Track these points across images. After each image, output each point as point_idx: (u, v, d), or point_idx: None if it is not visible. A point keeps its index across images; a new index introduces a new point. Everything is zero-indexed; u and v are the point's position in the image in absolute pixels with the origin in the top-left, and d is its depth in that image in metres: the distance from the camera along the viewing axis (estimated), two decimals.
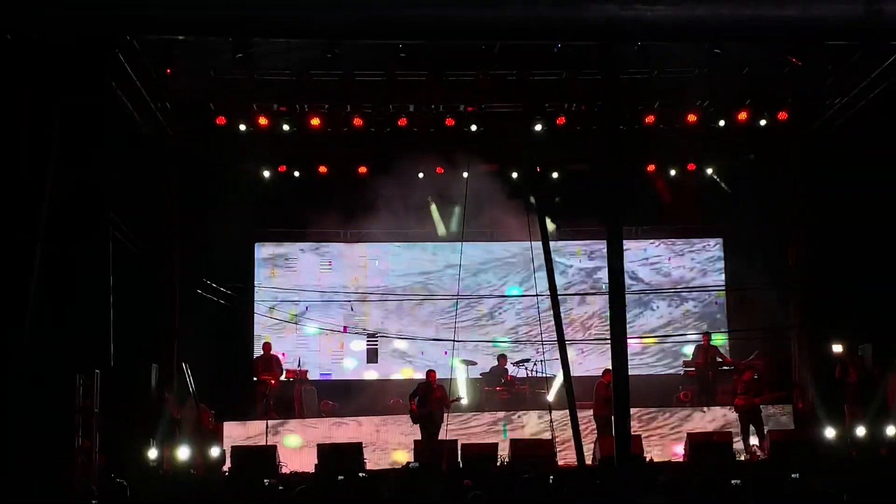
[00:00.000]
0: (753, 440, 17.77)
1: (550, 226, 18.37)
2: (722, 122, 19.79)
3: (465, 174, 19.25)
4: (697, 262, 22.54)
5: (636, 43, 16.12)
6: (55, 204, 13.09)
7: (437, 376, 18.68)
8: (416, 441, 17.35)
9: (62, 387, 14.07)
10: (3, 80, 12.68)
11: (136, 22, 11.35)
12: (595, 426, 17.90)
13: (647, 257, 22.31)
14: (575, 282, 22.13)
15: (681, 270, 22.45)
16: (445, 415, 17.86)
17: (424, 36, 13.76)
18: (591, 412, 17.90)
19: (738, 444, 17.55)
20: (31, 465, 12.70)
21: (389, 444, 18.47)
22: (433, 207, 21.68)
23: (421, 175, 21.14)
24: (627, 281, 15.21)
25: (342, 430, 18.55)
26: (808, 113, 19.73)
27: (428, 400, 18.00)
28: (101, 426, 14.82)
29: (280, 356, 20.47)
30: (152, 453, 16.51)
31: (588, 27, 11.25)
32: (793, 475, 12.37)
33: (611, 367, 15.75)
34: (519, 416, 18.86)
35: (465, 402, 19.10)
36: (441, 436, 17.59)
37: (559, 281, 14.59)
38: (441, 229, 21.86)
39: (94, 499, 11.54)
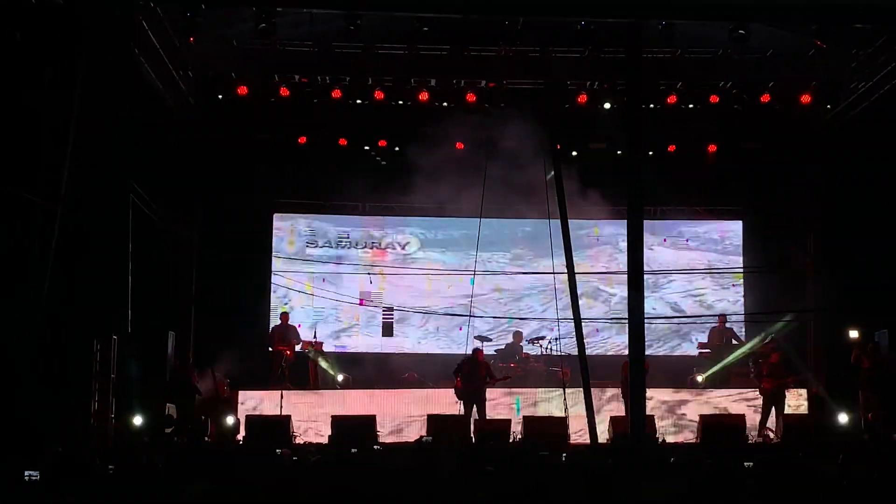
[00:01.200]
0: (771, 423, 17.75)
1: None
2: (744, 105, 19.67)
3: (485, 151, 19.23)
4: (716, 244, 22.46)
5: (662, 21, 16.07)
6: (76, 171, 13.13)
7: (453, 352, 18.70)
8: (429, 416, 17.38)
9: (80, 352, 14.18)
10: (27, 46, 12.70)
11: None
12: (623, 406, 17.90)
13: (665, 238, 22.22)
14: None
15: (699, 251, 22.38)
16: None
17: (451, 9, 13.77)
18: (610, 390, 17.96)
19: (752, 427, 17.51)
20: (48, 430, 12.81)
21: (403, 417, 18.49)
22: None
23: (440, 150, 21.11)
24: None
25: (357, 402, 18.58)
26: (831, 96, 19.59)
27: (474, 377, 17.96)
28: (117, 392, 14.94)
29: (297, 327, 20.55)
30: (167, 420, 16.61)
31: (616, 4, 11.21)
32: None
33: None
34: (533, 394, 18.85)
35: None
36: (487, 413, 17.67)
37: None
38: None
39: (110, 464, 11.62)
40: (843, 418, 17.51)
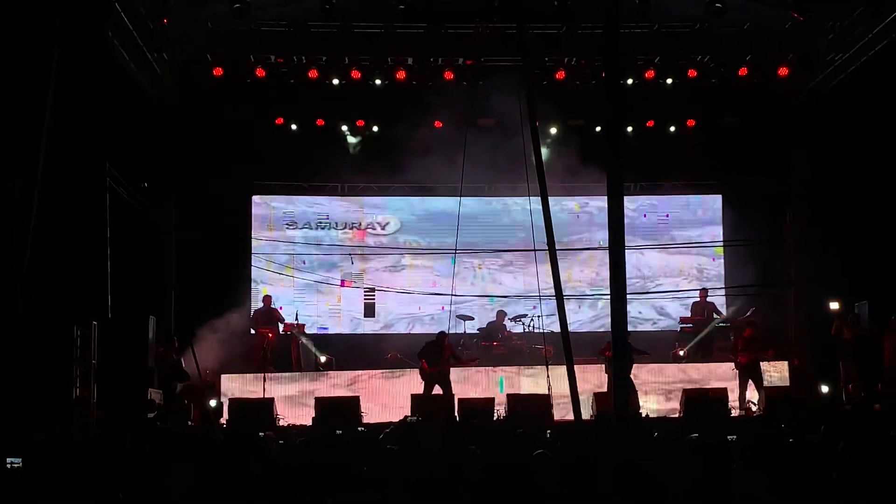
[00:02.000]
0: (750, 396, 17.83)
1: None
2: (722, 78, 19.67)
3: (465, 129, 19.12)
4: (696, 217, 22.51)
5: None
6: (53, 155, 13.02)
7: (435, 330, 18.70)
8: (412, 395, 17.39)
9: (60, 338, 14.08)
10: (1, 30, 12.57)
11: None
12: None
13: (645, 212, 22.25)
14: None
15: (679, 225, 22.43)
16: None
17: None
18: (592, 366, 18.01)
19: (733, 401, 17.59)
20: (29, 417, 12.72)
21: (386, 397, 18.48)
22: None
23: (418, 129, 21.05)
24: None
25: (340, 384, 18.58)
26: (808, 69, 19.61)
27: (439, 360, 17.99)
28: (98, 377, 14.85)
29: (278, 309, 20.50)
30: (149, 405, 16.54)
31: None
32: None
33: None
34: (516, 371, 18.88)
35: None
36: (469, 393, 17.72)
37: None
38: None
39: (94, 450, 11.56)
40: (824, 389, 17.61)
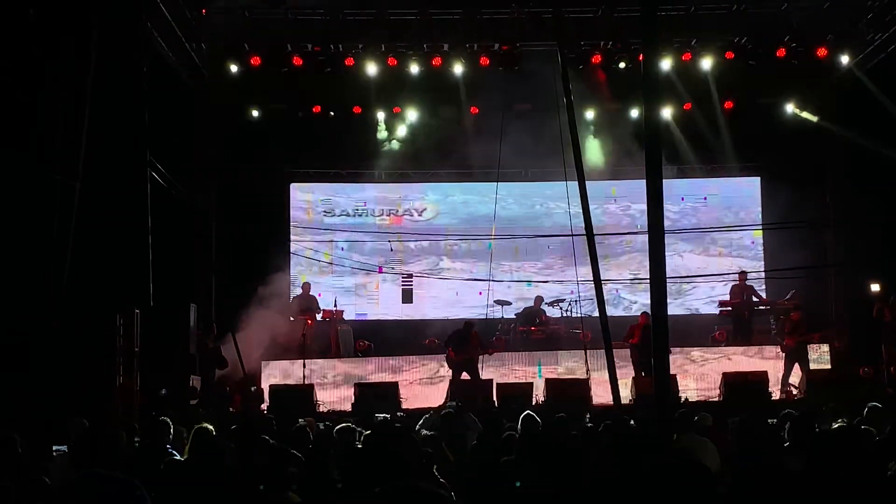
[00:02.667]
0: (794, 379, 17.73)
1: None
2: (760, 59, 19.51)
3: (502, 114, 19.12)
4: (735, 200, 22.39)
5: None
6: (94, 146, 13.14)
7: (473, 315, 18.76)
8: (451, 381, 17.45)
9: (102, 326, 14.23)
10: (41, 22, 12.68)
11: None
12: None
13: (683, 196, 22.14)
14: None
15: (718, 209, 22.32)
16: (481, 359, 17.99)
17: None
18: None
19: (773, 383, 17.51)
20: (72, 404, 12.88)
21: (425, 383, 18.56)
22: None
23: (455, 115, 21.12)
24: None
25: (380, 369, 18.67)
26: (847, 48, 19.41)
27: (466, 347, 18.06)
28: (141, 365, 15.01)
29: (317, 296, 20.62)
30: (192, 392, 16.70)
31: None
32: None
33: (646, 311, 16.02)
34: (554, 356, 18.88)
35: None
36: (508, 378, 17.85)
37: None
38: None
39: (137, 437, 11.70)
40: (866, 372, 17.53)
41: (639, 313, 18.82)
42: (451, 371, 18.06)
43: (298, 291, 20.79)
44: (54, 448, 10.39)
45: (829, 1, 17.65)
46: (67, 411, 12.38)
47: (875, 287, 18.70)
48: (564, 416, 11.79)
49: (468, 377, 17.80)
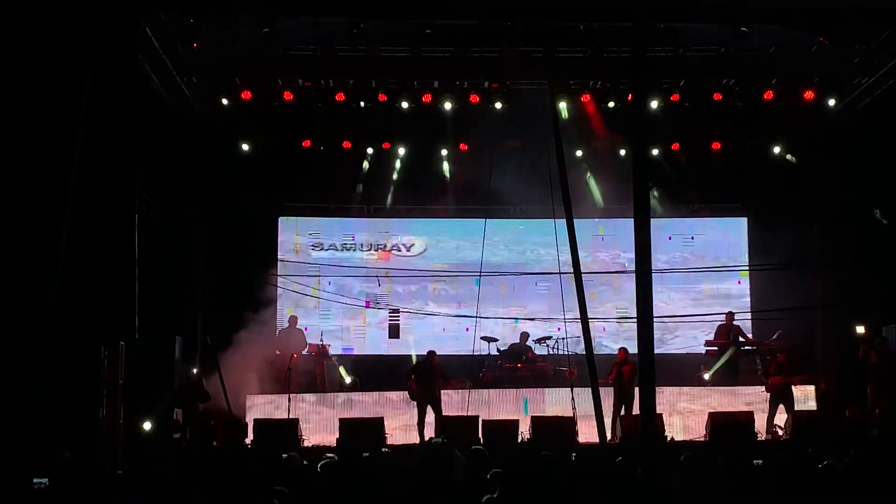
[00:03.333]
0: (779, 420, 17.73)
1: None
2: (747, 101, 19.66)
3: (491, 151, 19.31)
4: (722, 240, 22.47)
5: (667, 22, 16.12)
6: (83, 176, 13.14)
7: (460, 352, 18.70)
8: (437, 417, 17.39)
9: (87, 358, 14.17)
10: (35, 49, 12.72)
11: None
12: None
13: (670, 235, 22.19)
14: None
15: (704, 248, 22.38)
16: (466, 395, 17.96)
17: (455, 13, 13.82)
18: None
19: (760, 424, 17.50)
20: (56, 436, 12.79)
21: (411, 419, 18.48)
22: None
23: (444, 152, 21.24)
24: None
25: (364, 405, 18.60)
26: (834, 92, 19.58)
27: (428, 380, 18.03)
28: (125, 397, 14.94)
29: (303, 330, 20.58)
30: (175, 425, 16.62)
31: (621, 7, 11.25)
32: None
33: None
34: (540, 393, 18.85)
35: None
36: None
37: None
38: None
39: (119, 469, 11.64)
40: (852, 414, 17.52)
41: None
42: (416, 406, 17.98)
43: (285, 325, 20.75)
44: (35, 481, 10.30)
45: (816, 44, 17.78)
46: (50, 443, 12.31)
47: (860, 329, 18.74)
48: (549, 455, 11.74)
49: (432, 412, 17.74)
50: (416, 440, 17.28)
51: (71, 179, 12.92)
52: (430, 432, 17.24)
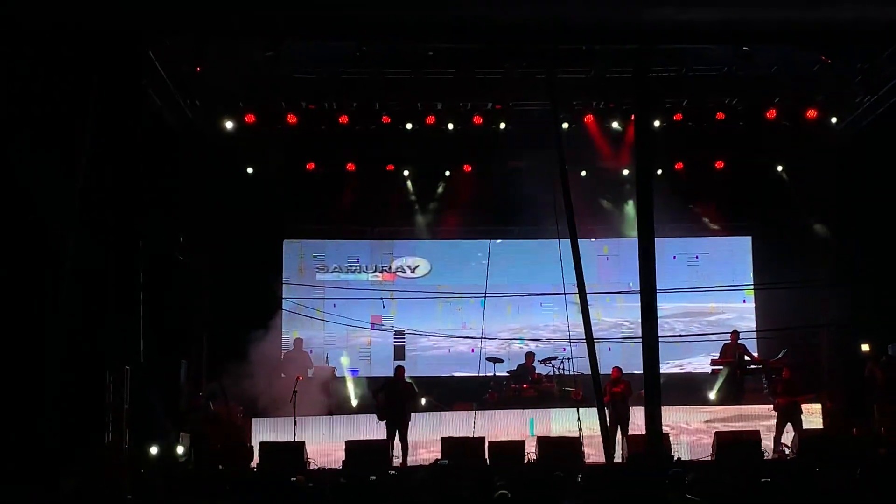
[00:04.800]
0: (786, 439, 17.69)
1: None
2: (750, 121, 19.70)
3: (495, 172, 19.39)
4: (726, 259, 22.46)
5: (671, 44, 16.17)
6: (87, 200, 13.19)
7: (465, 373, 18.64)
8: (442, 438, 17.37)
9: (92, 383, 14.18)
10: (38, 75, 12.79)
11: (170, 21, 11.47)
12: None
13: (674, 255, 22.18)
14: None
15: (709, 268, 22.36)
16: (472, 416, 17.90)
17: (459, 39, 13.91)
18: None
19: (766, 443, 17.47)
20: (61, 462, 12.80)
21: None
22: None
23: (448, 173, 21.31)
24: None
25: (370, 427, 18.57)
26: (836, 111, 19.63)
27: (397, 396, 17.96)
28: (130, 422, 14.94)
29: (309, 352, 20.58)
30: (181, 449, 16.61)
31: (624, 31, 11.30)
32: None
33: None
34: (546, 414, 18.81)
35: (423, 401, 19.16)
36: (410, 434, 17.75)
37: None
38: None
39: (127, 494, 11.64)
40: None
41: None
42: (385, 425, 17.83)
43: (290, 348, 20.76)
44: None
45: (818, 63, 17.84)
46: (56, 469, 12.32)
47: (865, 347, 18.72)
48: (560, 475, 11.74)
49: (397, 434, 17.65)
50: (425, 461, 17.23)
51: (75, 204, 12.97)
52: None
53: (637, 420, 17.24)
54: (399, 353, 21.93)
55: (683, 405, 18.81)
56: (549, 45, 14.94)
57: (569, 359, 19.10)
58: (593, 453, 16.96)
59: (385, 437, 17.55)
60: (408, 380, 18.52)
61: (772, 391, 18.45)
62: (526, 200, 20.42)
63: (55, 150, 12.90)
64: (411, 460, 17.64)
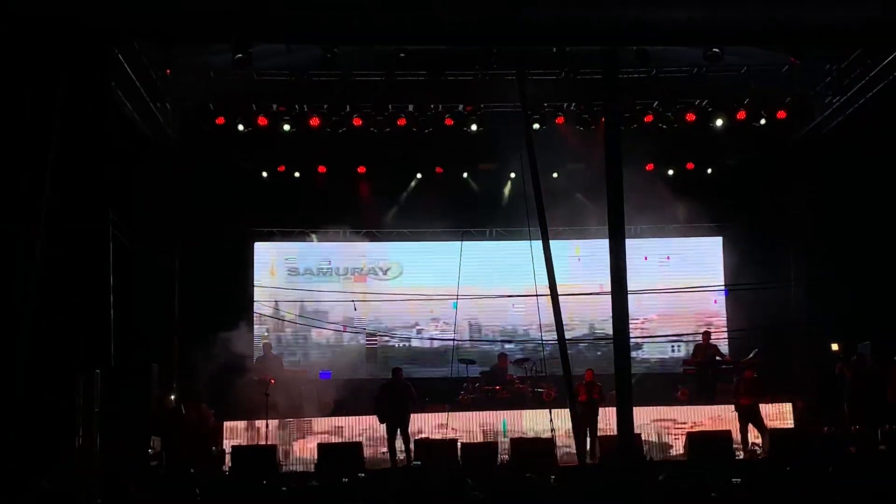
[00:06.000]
0: (751, 438, 17.77)
1: None
2: (720, 122, 19.79)
3: (465, 174, 19.34)
4: (697, 260, 22.55)
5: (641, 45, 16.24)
6: (56, 202, 13.09)
7: (437, 374, 18.65)
8: (416, 440, 17.35)
9: (62, 386, 14.07)
10: (4, 77, 12.68)
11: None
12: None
13: (646, 256, 22.25)
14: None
15: (680, 269, 22.45)
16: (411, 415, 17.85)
17: (431, 40, 13.92)
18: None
19: (737, 444, 17.55)
20: (31, 465, 12.70)
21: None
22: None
23: (419, 175, 21.32)
24: None
25: (341, 429, 18.53)
26: (806, 111, 19.76)
27: (396, 398, 17.91)
28: (101, 425, 14.84)
29: (280, 355, 20.53)
30: (152, 452, 16.52)
31: (593, 32, 11.34)
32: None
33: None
34: (518, 415, 18.82)
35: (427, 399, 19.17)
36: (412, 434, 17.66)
37: None
38: None
39: (97, 498, 11.55)
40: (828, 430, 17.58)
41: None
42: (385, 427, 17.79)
43: (261, 351, 20.69)
44: None
45: (788, 64, 17.96)
46: (26, 472, 12.21)
47: (834, 346, 18.84)
48: (532, 476, 11.73)
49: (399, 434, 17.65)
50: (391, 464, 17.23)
51: (42, 207, 12.86)
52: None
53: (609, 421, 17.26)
54: (371, 355, 21.90)
55: (655, 405, 18.82)
56: (519, 46, 14.96)
57: (542, 359, 19.12)
58: (566, 454, 16.99)
59: (356, 441, 17.53)
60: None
61: (734, 392, 18.51)
62: (497, 202, 20.48)
63: (21, 153, 12.77)
64: (385, 463, 17.59)
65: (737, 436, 17.68)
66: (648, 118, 19.71)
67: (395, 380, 18.18)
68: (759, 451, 17.46)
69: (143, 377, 17.74)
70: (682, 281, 22.16)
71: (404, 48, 16.66)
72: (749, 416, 17.85)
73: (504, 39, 13.90)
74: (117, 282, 14.56)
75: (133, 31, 13.65)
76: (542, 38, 13.31)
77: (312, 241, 21.97)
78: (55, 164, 12.99)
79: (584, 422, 17.56)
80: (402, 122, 19.54)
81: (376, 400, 18.00)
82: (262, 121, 19.28)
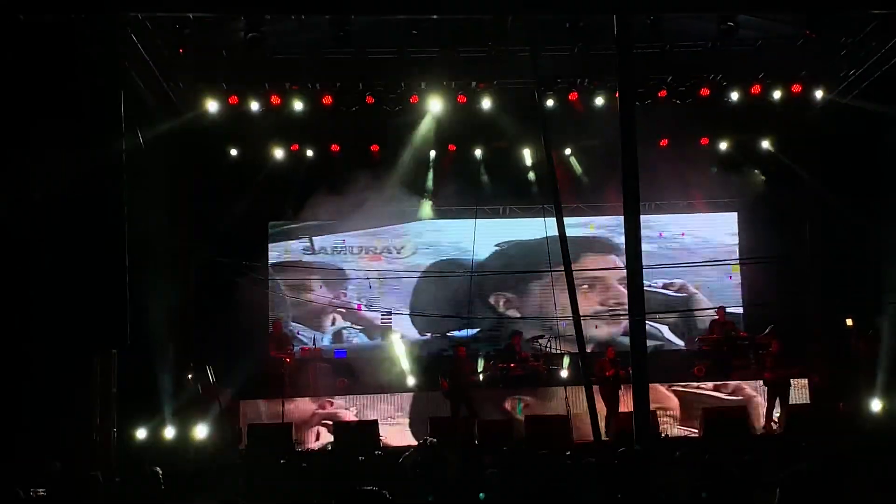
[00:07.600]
0: (777, 413, 17.75)
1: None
2: (735, 96, 19.65)
3: (479, 152, 19.30)
4: (712, 236, 22.47)
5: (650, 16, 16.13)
6: (70, 183, 13.11)
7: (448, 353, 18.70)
8: (431, 418, 17.38)
9: (79, 367, 14.14)
10: (21, 63, 12.70)
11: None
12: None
13: (661, 232, 22.19)
14: None
15: (695, 244, 22.38)
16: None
17: (441, 10, 13.86)
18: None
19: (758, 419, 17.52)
20: (50, 446, 12.78)
21: (405, 420, 18.46)
22: None
23: (433, 153, 21.22)
24: None
25: (358, 407, 18.58)
26: (821, 84, 19.60)
27: (459, 374, 18.07)
28: (118, 405, 14.91)
29: (296, 334, 20.56)
30: (169, 431, 16.59)
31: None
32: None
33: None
34: (534, 393, 18.85)
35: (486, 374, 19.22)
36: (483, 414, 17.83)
37: None
38: None
39: (115, 477, 11.60)
40: (845, 406, 17.54)
41: None
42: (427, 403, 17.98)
43: (275, 332, 20.72)
44: (31, 491, 10.28)
45: (803, 37, 17.80)
46: (44, 453, 12.28)
47: (849, 322, 18.77)
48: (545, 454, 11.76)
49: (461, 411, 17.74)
50: (411, 442, 17.26)
51: (60, 187, 12.90)
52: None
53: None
54: (387, 333, 21.90)
55: (671, 382, 18.82)
56: (532, 15, 14.85)
57: (556, 337, 19.10)
58: (582, 432, 16.99)
59: (372, 419, 17.56)
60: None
61: (760, 366, 18.47)
62: (510, 180, 20.38)
63: (37, 133, 12.80)
64: (400, 441, 17.63)
65: (759, 410, 17.65)
66: (662, 93, 19.55)
67: (458, 357, 18.42)
68: (775, 428, 17.42)
69: (160, 357, 17.79)
70: (696, 256, 22.07)
71: (417, 25, 16.53)
72: (777, 390, 17.79)
73: (516, 7, 13.83)
74: (132, 262, 14.58)
75: (147, 6, 13.63)
76: (555, 6, 13.21)
77: (327, 221, 21.93)
78: (69, 142, 13.02)
79: (610, 399, 17.65)
80: (414, 99, 19.42)
81: (441, 380, 18.14)
82: (276, 100, 19.22)
